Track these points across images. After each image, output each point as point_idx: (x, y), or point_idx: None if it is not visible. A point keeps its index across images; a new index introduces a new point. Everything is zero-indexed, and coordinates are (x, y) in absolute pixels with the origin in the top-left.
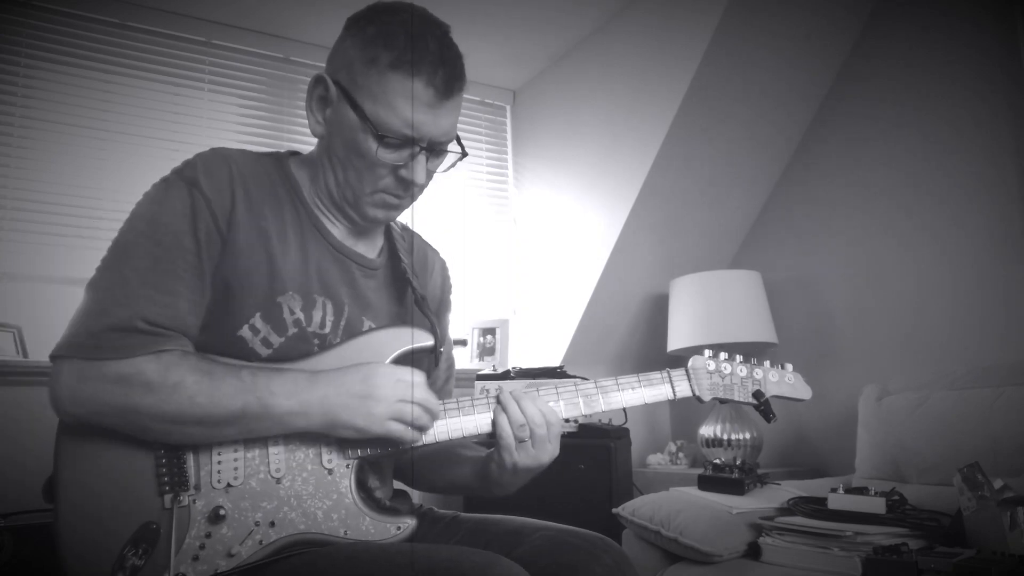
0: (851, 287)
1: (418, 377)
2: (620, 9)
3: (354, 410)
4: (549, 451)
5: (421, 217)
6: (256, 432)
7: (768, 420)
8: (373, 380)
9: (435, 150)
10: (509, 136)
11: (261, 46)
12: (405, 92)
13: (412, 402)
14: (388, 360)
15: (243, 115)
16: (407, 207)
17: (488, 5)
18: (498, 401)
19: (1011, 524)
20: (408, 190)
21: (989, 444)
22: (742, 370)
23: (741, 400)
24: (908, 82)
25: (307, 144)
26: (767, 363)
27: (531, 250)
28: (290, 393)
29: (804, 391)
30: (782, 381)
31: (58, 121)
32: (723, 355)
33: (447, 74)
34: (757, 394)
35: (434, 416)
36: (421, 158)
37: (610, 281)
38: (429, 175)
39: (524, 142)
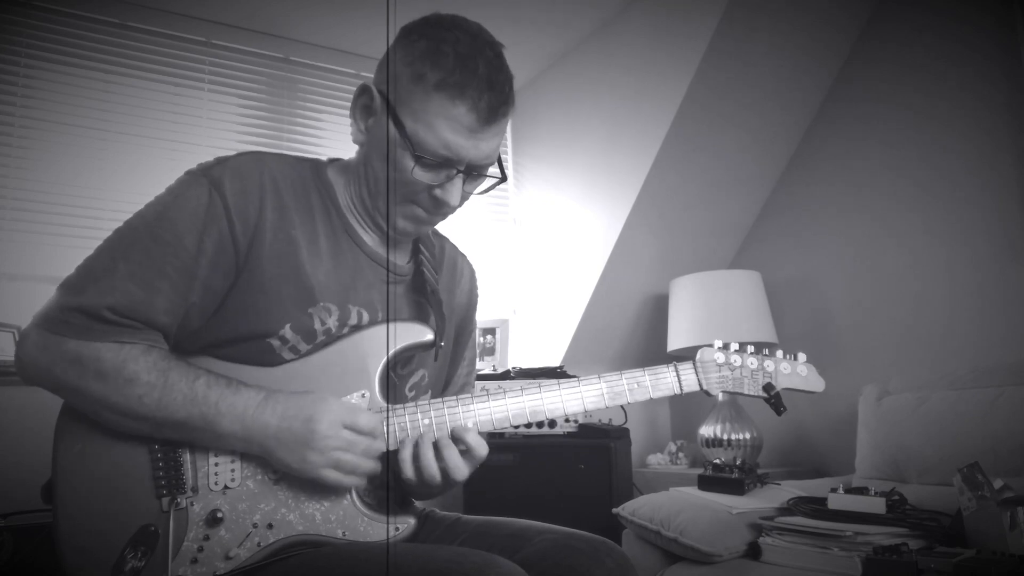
0: (851, 287)
1: (364, 420)
2: (620, 9)
3: (290, 450)
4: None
5: None
6: (199, 442)
7: (779, 413)
8: (314, 424)
9: (473, 173)
10: (509, 136)
11: (261, 46)
12: (447, 115)
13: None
14: (390, 354)
15: (243, 115)
16: (438, 223)
17: (488, 5)
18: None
19: (1011, 524)
20: (440, 209)
21: (989, 444)
22: (752, 362)
23: (751, 393)
24: (908, 83)
25: (308, 145)
26: (779, 354)
27: (531, 250)
28: (236, 417)
29: (817, 383)
30: (794, 373)
31: (58, 121)
32: (733, 346)
33: (493, 100)
34: (768, 387)
35: (374, 462)
36: (457, 181)
37: (610, 281)
38: (465, 197)
39: (524, 142)
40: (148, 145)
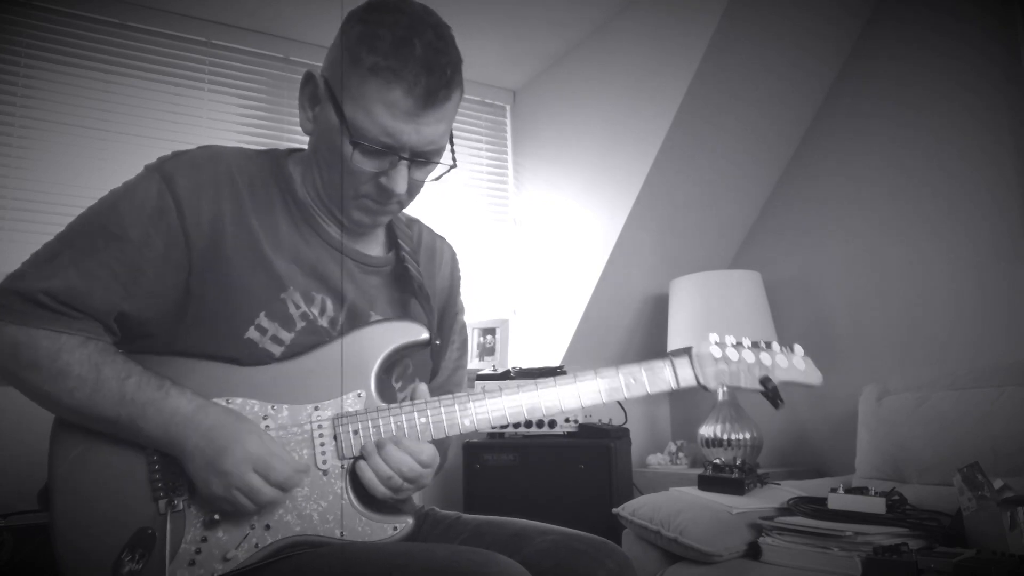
0: (851, 287)
1: (280, 469)
2: (620, 9)
3: (197, 468)
4: (425, 483)
5: (421, 216)
6: (131, 440)
7: (776, 406)
8: (224, 456)
9: (419, 160)
10: (509, 136)
11: (261, 46)
12: (383, 99)
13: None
14: (383, 355)
15: (243, 115)
16: (395, 212)
17: (488, 5)
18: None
19: (1011, 524)
20: (389, 198)
21: (989, 444)
22: (749, 356)
23: (748, 387)
24: (908, 82)
25: (307, 145)
26: (775, 345)
27: (531, 250)
28: (160, 423)
29: (815, 376)
30: (792, 367)
31: (58, 121)
32: (730, 340)
33: (432, 83)
34: (764, 380)
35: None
36: (402, 168)
37: (610, 281)
38: (415, 184)
39: (524, 142)
40: (148, 145)
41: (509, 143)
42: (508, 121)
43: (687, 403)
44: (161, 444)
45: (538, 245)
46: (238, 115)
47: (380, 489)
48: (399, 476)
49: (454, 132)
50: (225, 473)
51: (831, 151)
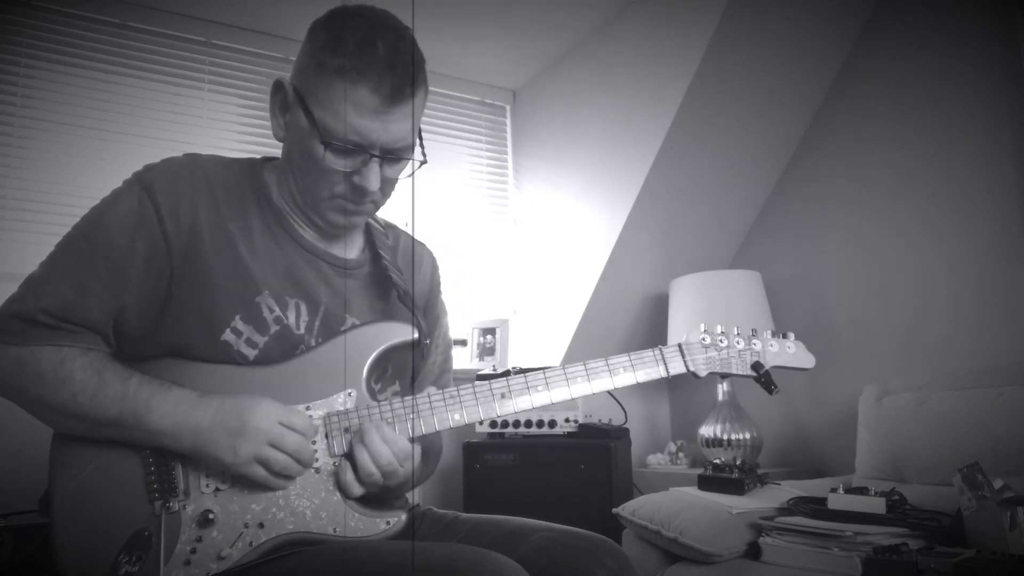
0: (851, 287)
1: (298, 420)
2: (620, 9)
3: (222, 446)
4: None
5: (421, 216)
6: (134, 441)
7: (770, 392)
8: (247, 416)
9: (389, 158)
10: (509, 136)
11: (261, 46)
12: (350, 99)
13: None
14: (373, 355)
15: (243, 115)
16: (371, 212)
17: (488, 5)
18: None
19: (1011, 524)
20: (364, 197)
21: (989, 444)
22: (739, 342)
23: (739, 373)
24: (908, 82)
25: None
26: (767, 333)
27: (531, 250)
28: (166, 414)
29: (807, 360)
30: (783, 351)
31: (58, 121)
32: (719, 328)
33: (396, 81)
34: (756, 365)
35: (305, 465)
36: (373, 165)
37: (610, 281)
38: (388, 182)
39: (524, 142)
40: (148, 145)
41: (509, 143)
42: (508, 121)
43: (687, 403)
44: (169, 435)
45: (538, 245)
46: (238, 115)
47: (357, 489)
48: (379, 473)
49: (455, 132)
50: (253, 429)
51: (831, 151)
